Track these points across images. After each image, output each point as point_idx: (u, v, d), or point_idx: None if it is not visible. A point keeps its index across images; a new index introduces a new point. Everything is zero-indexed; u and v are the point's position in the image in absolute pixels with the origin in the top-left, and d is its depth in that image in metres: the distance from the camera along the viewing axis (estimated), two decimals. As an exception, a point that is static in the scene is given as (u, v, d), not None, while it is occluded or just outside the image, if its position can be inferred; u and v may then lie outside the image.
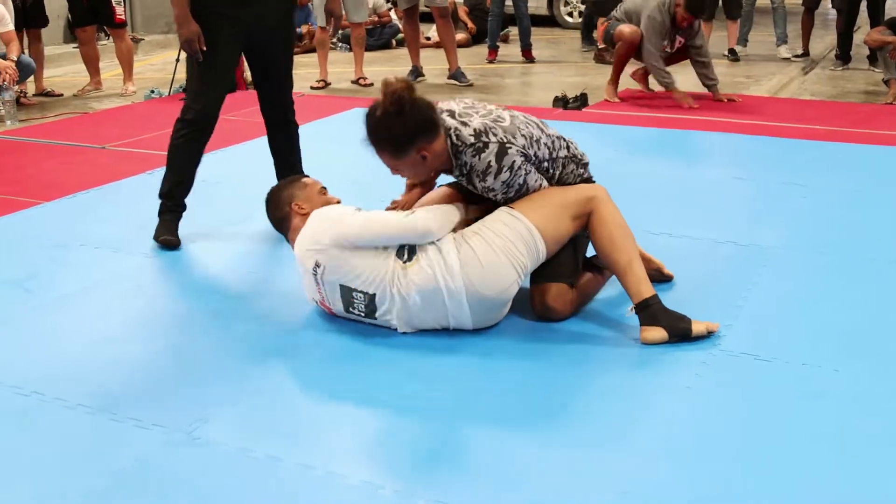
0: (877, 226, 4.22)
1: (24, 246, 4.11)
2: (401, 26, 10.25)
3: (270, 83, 4.20)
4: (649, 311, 3.05)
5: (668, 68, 7.15)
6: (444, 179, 3.33)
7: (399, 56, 10.35)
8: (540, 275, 3.21)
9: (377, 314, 3.08)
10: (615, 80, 7.26)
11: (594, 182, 3.39)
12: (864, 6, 8.91)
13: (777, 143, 5.89)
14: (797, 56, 9.69)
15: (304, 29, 11.12)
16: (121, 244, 4.08)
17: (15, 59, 7.05)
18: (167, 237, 4.00)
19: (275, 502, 2.28)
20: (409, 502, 2.26)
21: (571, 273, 3.25)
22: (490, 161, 3.04)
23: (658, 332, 3.04)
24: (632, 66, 7.48)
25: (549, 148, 3.22)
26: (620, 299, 3.34)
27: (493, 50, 10.05)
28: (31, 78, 7.92)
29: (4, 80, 6.88)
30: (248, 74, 8.43)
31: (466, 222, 3.17)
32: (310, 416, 2.70)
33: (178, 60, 7.11)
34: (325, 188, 3.35)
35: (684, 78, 7.83)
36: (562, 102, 7.13)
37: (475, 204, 3.22)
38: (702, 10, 6.78)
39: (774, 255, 3.86)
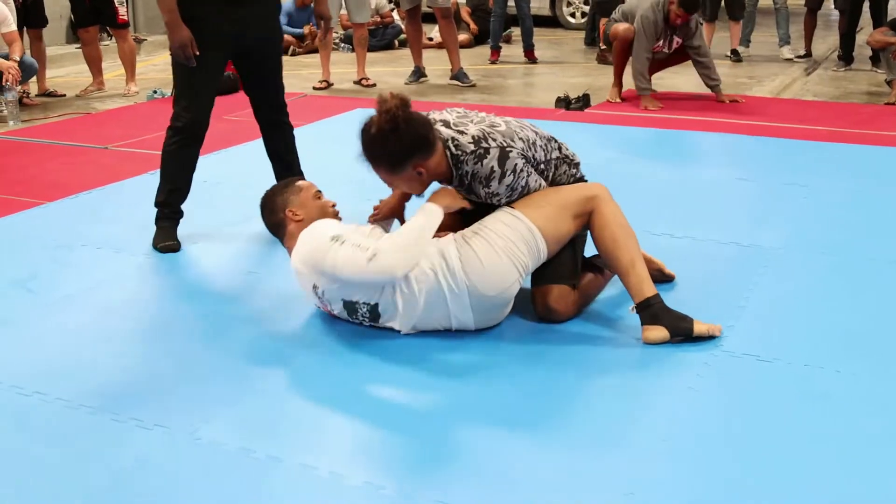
0: (879, 226, 4.22)
1: (26, 246, 4.12)
2: (403, 27, 10.26)
3: (261, 88, 4.19)
4: (651, 311, 3.05)
5: (669, 70, 7.18)
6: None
7: (401, 57, 10.35)
8: (541, 276, 3.21)
9: (381, 320, 3.08)
10: (618, 80, 7.25)
11: (587, 181, 3.39)
12: (866, 7, 8.90)
13: (779, 143, 5.89)
14: (800, 57, 9.68)
15: (306, 30, 11.13)
16: (123, 244, 4.09)
17: (18, 59, 7.06)
18: (166, 243, 4.00)
19: (276, 502, 2.28)
20: (410, 503, 2.26)
21: (573, 274, 3.25)
22: (493, 166, 3.04)
23: (660, 332, 3.04)
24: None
25: (543, 150, 3.23)
26: (621, 299, 3.34)
27: (496, 50, 10.05)
28: (34, 78, 7.93)
29: (7, 81, 6.89)
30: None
31: (451, 228, 3.17)
32: (311, 416, 2.70)
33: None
34: (319, 192, 3.32)
35: (686, 79, 7.84)
36: (564, 103, 7.13)
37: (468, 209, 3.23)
38: (695, 8, 6.75)
39: (776, 255, 3.86)
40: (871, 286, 3.54)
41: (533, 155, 3.17)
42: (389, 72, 9.40)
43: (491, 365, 2.95)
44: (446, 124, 3.11)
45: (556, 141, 3.33)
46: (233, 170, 5.23)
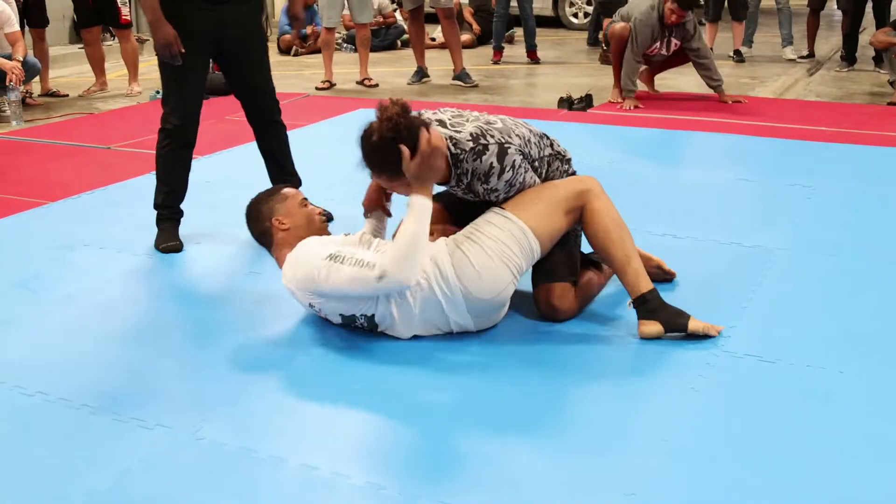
0: (882, 227, 4.21)
1: (28, 246, 4.12)
2: (406, 27, 10.25)
3: (249, 87, 4.17)
4: (647, 306, 3.05)
5: (672, 70, 7.18)
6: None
7: (404, 57, 10.35)
8: (541, 275, 3.21)
9: (379, 329, 3.08)
10: (618, 80, 7.25)
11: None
12: (869, 7, 8.90)
13: (782, 144, 5.89)
14: (802, 57, 9.67)
15: (308, 30, 11.13)
16: (125, 245, 4.09)
17: (21, 59, 7.07)
18: (169, 244, 4.00)
19: (278, 502, 2.28)
20: (412, 503, 2.26)
21: (572, 271, 3.25)
22: (492, 162, 3.04)
23: (654, 327, 3.04)
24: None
25: (537, 147, 3.24)
26: (621, 298, 3.34)
27: (498, 51, 10.04)
28: (37, 78, 7.93)
29: (10, 81, 6.89)
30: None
31: (444, 231, 3.16)
32: (313, 416, 2.70)
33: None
34: (305, 199, 3.29)
35: (688, 79, 7.83)
36: (567, 103, 7.13)
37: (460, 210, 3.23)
38: (690, 5, 6.73)
39: (779, 256, 3.85)
40: (874, 287, 3.53)
41: (528, 152, 3.18)
42: (392, 72, 9.40)
43: (492, 365, 2.95)
44: (442, 124, 3.10)
45: (547, 138, 3.33)
46: (234, 170, 5.23)
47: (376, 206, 3.35)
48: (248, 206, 3.33)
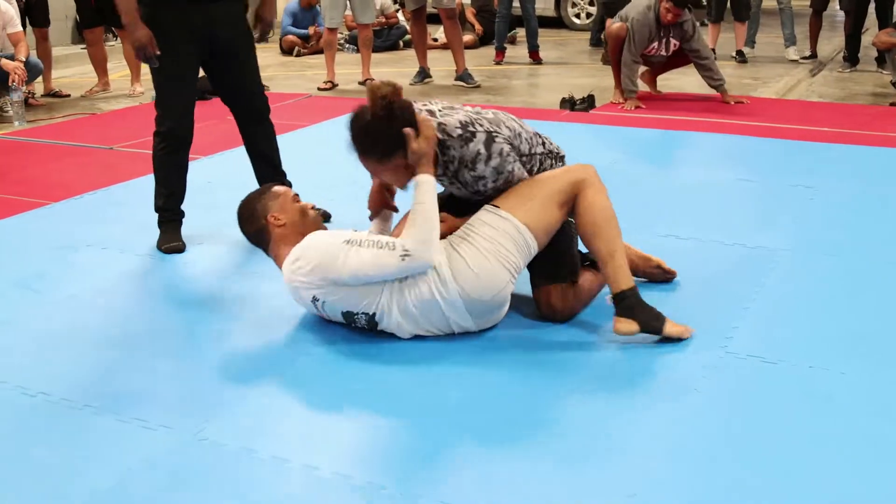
0: (885, 228, 4.21)
1: (31, 246, 4.12)
2: (408, 27, 10.25)
3: (240, 89, 4.15)
4: (625, 304, 3.05)
5: (675, 71, 7.17)
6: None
7: (406, 57, 10.36)
8: (540, 276, 3.20)
9: (379, 327, 3.08)
10: (619, 81, 7.24)
11: None
12: (872, 8, 8.89)
13: (784, 144, 5.88)
14: (805, 58, 9.66)
15: (311, 30, 11.14)
16: (128, 245, 4.09)
17: (23, 59, 7.08)
18: (171, 244, 4.00)
19: (280, 503, 2.28)
20: (412, 503, 2.26)
21: (571, 271, 3.25)
22: (479, 149, 3.04)
23: (630, 325, 3.04)
24: (640, 68, 7.46)
25: (528, 144, 3.24)
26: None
27: (501, 51, 10.04)
28: (39, 78, 7.94)
29: (13, 81, 6.90)
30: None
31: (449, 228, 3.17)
32: (314, 417, 2.70)
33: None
34: (297, 195, 3.28)
35: (691, 79, 7.83)
36: (569, 104, 7.13)
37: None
38: (685, 4, 6.72)
39: (781, 257, 3.85)
40: (877, 288, 3.53)
41: (518, 145, 3.18)
42: (394, 72, 9.39)
43: (492, 365, 2.95)
44: (431, 113, 3.11)
45: (540, 136, 3.33)
46: (235, 170, 5.22)
47: (381, 206, 3.35)
48: (239, 207, 3.31)
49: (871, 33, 9.21)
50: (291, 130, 6.23)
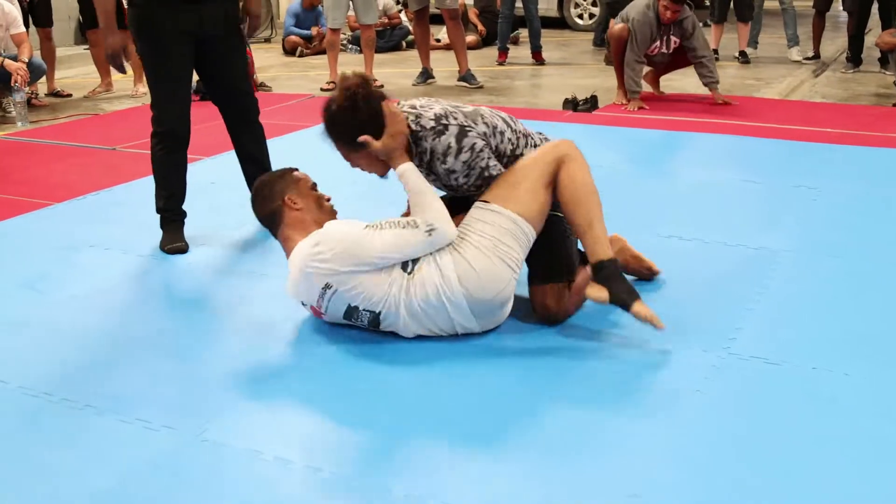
0: (888, 229, 4.20)
1: (34, 247, 4.13)
2: (411, 28, 10.26)
3: (230, 89, 4.14)
4: (603, 273, 3.05)
5: (678, 72, 7.16)
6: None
7: (409, 58, 10.36)
8: (536, 276, 3.20)
9: (381, 327, 3.06)
10: (622, 81, 7.24)
11: None
12: (875, 8, 8.88)
13: (787, 145, 5.88)
14: (808, 58, 9.66)
15: (314, 31, 11.14)
16: (131, 246, 4.09)
17: (26, 60, 7.09)
18: (174, 245, 4.00)
19: (283, 504, 2.28)
20: (417, 505, 2.26)
21: (567, 271, 3.24)
22: (450, 143, 3.06)
23: (601, 292, 3.04)
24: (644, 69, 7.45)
25: (512, 144, 3.23)
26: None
27: (503, 52, 10.05)
28: (43, 79, 7.94)
29: (16, 82, 6.91)
30: (257, 77, 8.47)
31: None
32: (318, 418, 2.69)
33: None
34: (315, 184, 3.30)
35: (694, 80, 7.82)
36: (572, 105, 7.12)
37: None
38: (683, 0, 6.73)
39: (784, 258, 3.84)
40: (881, 289, 3.52)
41: (497, 144, 3.18)
42: (397, 73, 9.40)
43: (495, 366, 2.94)
44: (413, 107, 3.16)
45: (532, 137, 3.32)
46: (238, 171, 5.22)
47: None
48: (257, 184, 3.31)
49: (874, 34, 9.21)
50: (294, 131, 6.24)
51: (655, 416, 2.63)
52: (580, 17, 13.10)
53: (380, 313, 3.01)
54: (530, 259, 3.17)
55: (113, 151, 5.95)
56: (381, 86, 8.42)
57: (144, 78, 8.31)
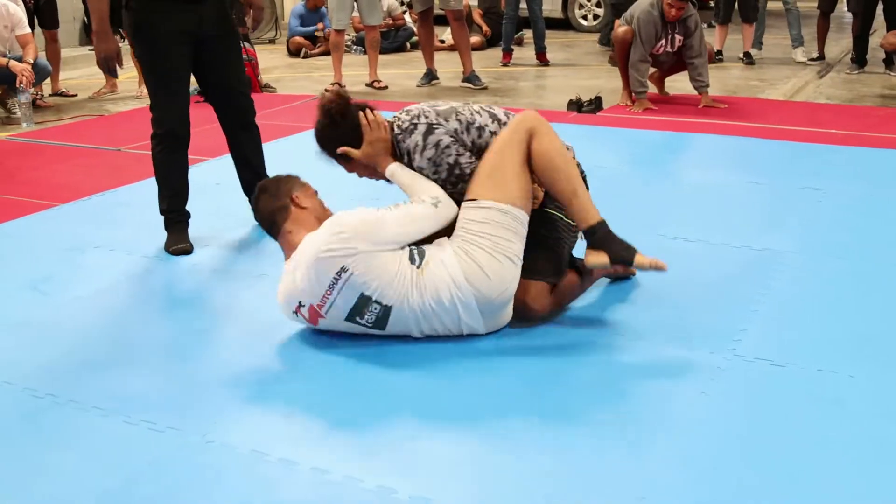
0: (893, 230, 4.19)
1: (39, 248, 4.13)
2: (415, 29, 10.26)
3: (227, 89, 4.14)
4: (596, 238, 3.07)
5: (680, 74, 7.17)
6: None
7: (413, 59, 10.36)
8: (523, 269, 3.15)
9: (386, 327, 3.03)
10: (626, 83, 7.23)
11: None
12: (880, 10, 8.87)
13: (792, 146, 5.87)
14: (812, 59, 9.64)
15: (319, 26, 11.14)
16: (135, 247, 4.10)
17: (31, 61, 7.10)
18: (179, 246, 4.01)
19: (288, 506, 2.28)
20: (422, 507, 2.26)
21: (554, 271, 3.24)
22: (417, 141, 3.15)
23: (601, 257, 3.07)
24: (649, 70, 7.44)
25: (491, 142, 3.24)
26: (630, 301, 3.35)
27: (508, 53, 10.04)
28: (47, 80, 7.96)
29: (21, 83, 6.92)
30: (261, 78, 8.48)
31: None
32: (323, 419, 2.69)
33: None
34: (316, 192, 3.30)
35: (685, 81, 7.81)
36: (576, 106, 7.12)
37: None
38: None
39: (789, 259, 3.84)
40: (885, 290, 3.52)
41: (473, 140, 3.21)
42: (401, 74, 9.41)
43: (500, 368, 2.94)
44: (404, 111, 3.27)
45: None
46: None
47: None
48: (263, 184, 3.31)
49: (878, 35, 9.20)
50: (298, 132, 6.24)
51: (660, 419, 2.63)
52: (584, 18, 13.09)
53: (390, 307, 2.98)
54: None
55: (118, 152, 5.96)
56: (385, 87, 8.43)
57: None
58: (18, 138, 6.52)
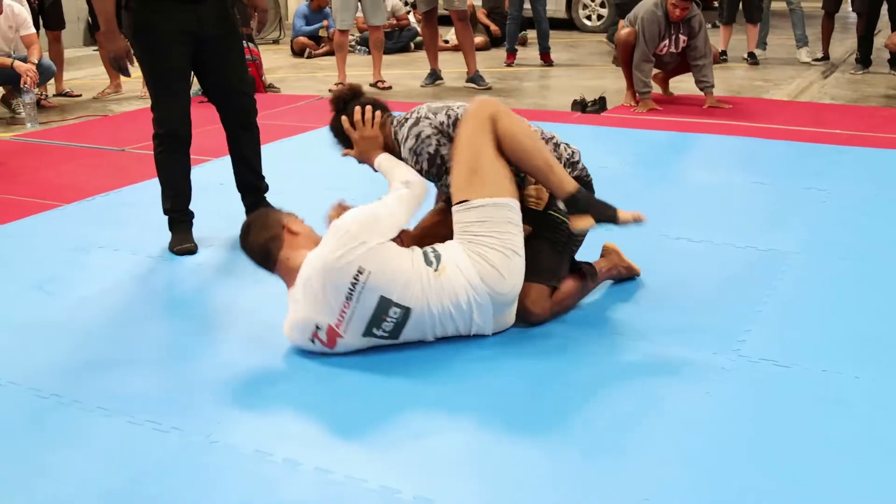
0: (897, 231, 4.20)
1: (43, 248, 4.13)
2: (419, 29, 10.26)
3: (228, 89, 4.13)
4: (578, 205, 3.10)
5: (684, 75, 7.17)
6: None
7: (417, 59, 10.36)
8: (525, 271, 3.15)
9: (401, 335, 3.00)
10: (630, 84, 7.23)
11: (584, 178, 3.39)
12: (885, 10, 8.86)
13: (796, 147, 5.87)
14: (817, 60, 9.64)
15: (324, 23, 11.14)
16: (140, 247, 4.10)
17: (36, 62, 7.11)
18: (183, 246, 4.01)
19: (292, 506, 2.28)
20: (426, 507, 2.26)
21: (553, 274, 3.23)
22: (405, 133, 3.25)
23: (586, 220, 3.10)
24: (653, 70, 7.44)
25: None
26: (634, 302, 3.34)
27: (512, 53, 10.04)
28: (52, 80, 7.97)
29: (25, 83, 6.93)
30: (265, 78, 8.48)
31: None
32: (327, 420, 2.69)
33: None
34: (303, 220, 3.22)
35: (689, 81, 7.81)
36: (580, 106, 7.12)
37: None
38: None
39: (794, 259, 3.84)
40: (890, 291, 3.51)
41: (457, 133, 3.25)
42: (405, 74, 9.40)
43: (503, 369, 2.94)
44: (411, 109, 3.35)
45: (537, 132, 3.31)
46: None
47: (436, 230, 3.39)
48: (249, 219, 3.21)
49: (883, 35, 9.19)
50: (302, 132, 6.25)
51: (665, 419, 2.62)
52: (588, 18, 13.09)
53: (410, 311, 2.94)
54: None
55: (122, 153, 5.97)
56: (389, 87, 8.43)
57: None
58: (23, 138, 6.52)
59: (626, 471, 2.38)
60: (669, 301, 3.41)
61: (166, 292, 3.73)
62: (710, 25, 7.65)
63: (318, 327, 2.95)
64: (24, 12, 7.29)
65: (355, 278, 2.88)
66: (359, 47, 11.15)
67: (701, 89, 7.11)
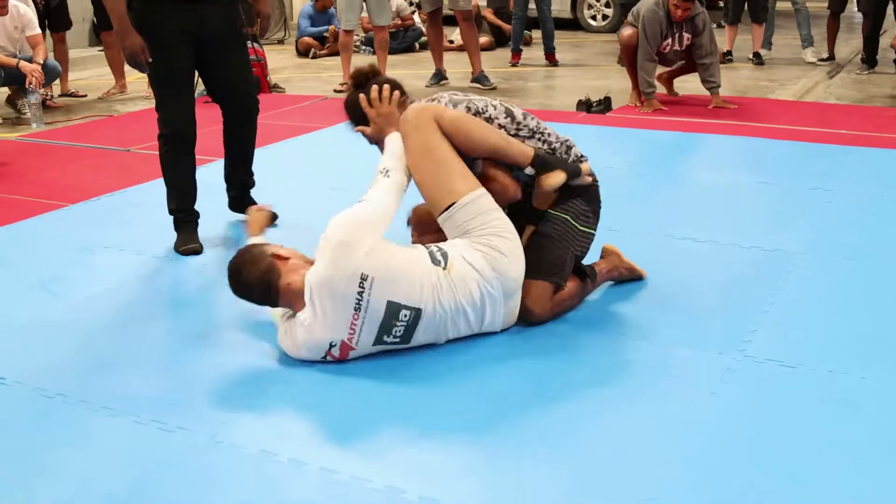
0: (903, 231, 4.19)
1: (48, 248, 4.14)
2: (424, 29, 10.26)
3: (232, 88, 4.14)
4: (543, 163, 3.16)
5: (690, 75, 7.17)
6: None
7: (422, 59, 10.36)
8: (526, 269, 3.14)
9: (412, 339, 2.97)
10: (636, 84, 7.22)
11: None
12: (890, 10, 8.85)
13: (802, 147, 5.86)
14: (822, 60, 9.62)
15: (330, 28, 11.14)
16: (145, 247, 4.10)
17: (41, 62, 7.11)
18: (189, 246, 4.01)
19: (297, 506, 2.28)
20: (431, 507, 2.26)
21: (558, 274, 3.22)
22: None
23: (557, 176, 3.16)
24: (657, 70, 7.43)
25: (507, 132, 3.26)
26: (639, 302, 3.34)
27: (517, 53, 10.04)
28: (57, 80, 7.97)
29: (31, 84, 6.94)
30: (270, 78, 8.49)
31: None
32: (333, 420, 2.69)
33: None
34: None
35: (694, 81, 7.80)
36: (585, 106, 7.12)
37: None
38: None
39: (799, 260, 3.83)
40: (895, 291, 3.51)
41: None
42: (410, 74, 9.40)
43: (507, 369, 2.94)
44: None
45: (543, 134, 3.31)
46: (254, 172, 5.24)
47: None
48: (233, 261, 3.09)
49: (889, 35, 9.18)
50: (307, 133, 6.24)
51: (670, 420, 2.62)
52: (593, 18, 13.08)
53: (421, 311, 2.91)
54: (526, 251, 3.15)
55: (127, 153, 5.97)
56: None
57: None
58: (28, 139, 6.53)
59: (631, 470, 2.37)
60: (674, 301, 3.40)
61: (172, 292, 3.74)
62: (715, 25, 7.63)
63: (331, 345, 2.92)
64: (30, 13, 7.30)
65: (360, 286, 2.84)
66: (364, 47, 11.16)
67: (707, 89, 7.10)
